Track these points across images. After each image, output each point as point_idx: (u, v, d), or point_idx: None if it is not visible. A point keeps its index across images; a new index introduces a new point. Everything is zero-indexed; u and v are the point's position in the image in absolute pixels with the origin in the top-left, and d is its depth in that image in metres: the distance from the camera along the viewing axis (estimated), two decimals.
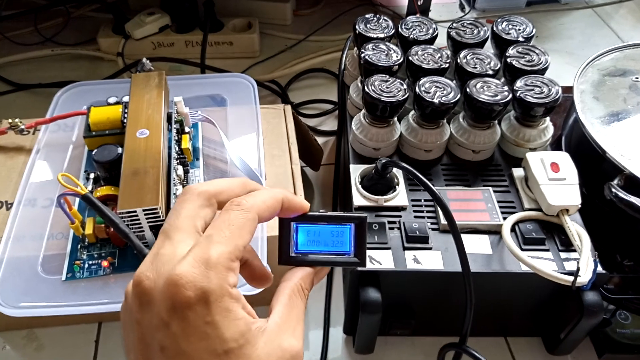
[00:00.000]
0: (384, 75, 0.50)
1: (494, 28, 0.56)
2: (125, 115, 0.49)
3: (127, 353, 0.25)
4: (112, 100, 0.52)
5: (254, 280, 0.30)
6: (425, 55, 0.52)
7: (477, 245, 0.45)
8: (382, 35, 0.55)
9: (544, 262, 0.43)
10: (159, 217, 0.40)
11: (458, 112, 0.53)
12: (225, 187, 0.27)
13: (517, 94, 0.49)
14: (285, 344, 0.25)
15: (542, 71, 0.51)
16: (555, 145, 0.58)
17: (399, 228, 0.46)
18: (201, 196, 0.27)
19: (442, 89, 0.48)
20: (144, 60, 0.57)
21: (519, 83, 0.50)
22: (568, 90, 0.54)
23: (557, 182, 0.46)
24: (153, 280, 0.24)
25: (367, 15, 0.58)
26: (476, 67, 0.52)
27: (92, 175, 0.48)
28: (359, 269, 0.43)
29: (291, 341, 0.26)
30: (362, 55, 0.52)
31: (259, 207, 0.27)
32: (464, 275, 0.41)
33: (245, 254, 0.30)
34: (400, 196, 0.48)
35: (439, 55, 0.52)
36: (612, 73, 0.57)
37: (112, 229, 0.41)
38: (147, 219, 0.40)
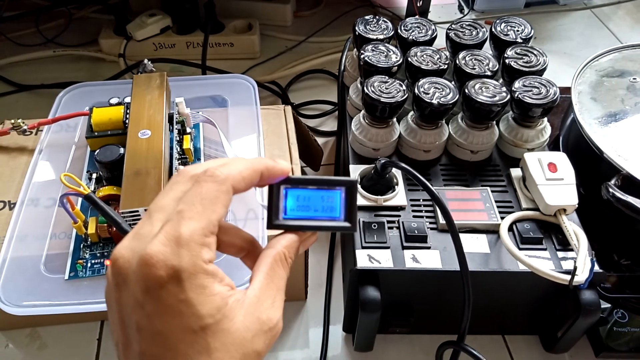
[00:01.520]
0: (384, 76, 0.50)
1: (493, 29, 0.57)
2: (127, 116, 0.49)
3: (112, 333, 0.25)
4: (114, 101, 0.52)
5: None
6: (424, 56, 0.53)
7: (475, 245, 0.45)
8: (381, 37, 0.56)
9: (542, 261, 0.44)
10: None
11: (457, 112, 0.53)
12: (235, 173, 0.26)
13: (515, 95, 0.49)
14: (264, 316, 0.25)
15: (540, 72, 0.52)
16: (553, 145, 0.59)
17: (398, 227, 0.46)
18: (193, 179, 0.26)
19: (441, 89, 0.49)
20: (146, 61, 0.58)
21: (517, 84, 0.50)
22: (566, 91, 0.54)
23: (554, 182, 0.46)
24: (127, 259, 0.23)
25: (366, 17, 0.58)
26: (475, 68, 0.52)
27: (94, 176, 0.49)
28: (358, 267, 0.43)
29: (269, 313, 0.25)
30: (362, 56, 0.52)
31: (234, 177, 0.26)
32: (462, 274, 0.42)
33: (244, 243, 0.29)
34: (399, 196, 0.48)
35: (437, 56, 0.53)
36: (610, 74, 0.57)
37: (114, 229, 0.42)
38: None
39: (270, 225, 0.29)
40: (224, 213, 0.25)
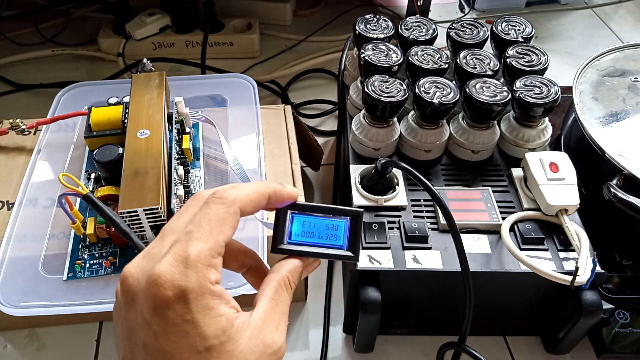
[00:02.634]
0: (384, 76, 0.50)
1: (494, 28, 0.56)
2: (126, 116, 0.49)
3: (118, 349, 0.26)
4: (112, 100, 0.52)
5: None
6: (425, 55, 0.53)
7: (476, 245, 0.45)
8: (381, 36, 0.56)
9: (543, 262, 0.44)
10: (160, 217, 0.41)
11: (457, 112, 0.53)
12: (243, 195, 0.26)
13: (517, 95, 0.49)
14: (268, 340, 0.25)
15: (542, 71, 0.52)
16: (554, 145, 0.58)
17: (399, 228, 0.46)
18: (204, 202, 0.26)
19: (442, 89, 0.49)
20: (145, 60, 0.57)
21: (518, 83, 0.50)
22: (567, 90, 0.54)
23: (556, 182, 0.46)
24: (137, 278, 0.24)
25: (367, 16, 0.58)
26: (475, 68, 0.52)
27: (93, 175, 0.49)
28: (359, 268, 0.43)
29: (274, 336, 0.25)
30: (362, 55, 0.52)
31: (241, 200, 0.26)
32: (463, 274, 0.41)
33: (247, 259, 0.30)
34: (399, 196, 0.48)
35: (438, 55, 0.53)
36: (611, 73, 0.57)
37: (113, 229, 0.41)
38: (148, 218, 0.41)
39: (275, 249, 0.29)
40: (231, 234, 0.26)
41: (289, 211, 0.29)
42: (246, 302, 0.28)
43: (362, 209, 0.30)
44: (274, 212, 0.30)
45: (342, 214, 0.29)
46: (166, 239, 0.25)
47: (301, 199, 0.49)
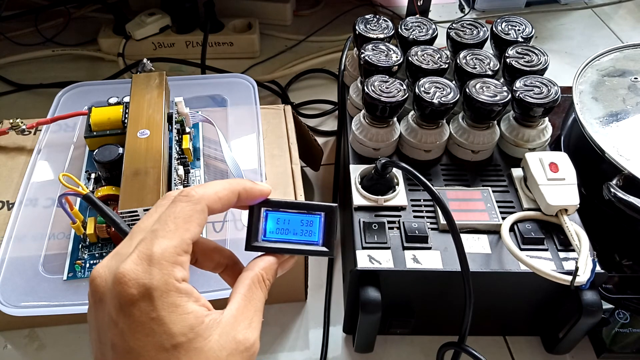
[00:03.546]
0: (384, 76, 0.50)
1: (494, 28, 0.56)
2: (126, 116, 0.49)
3: (92, 350, 0.26)
4: (112, 100, 0.52)
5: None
6: (425, 55, 0.53)
7: (476, 245, 0.45)
8: (381, 36, 0.56)
9: (543, 262, 0.44)
10: None
11: (457, 112, 0.53)
12: (211, 193, 0.26)
13: (517, 95, 0.49)
14: (240, 336, 0.25)
15: (542, 71, 0.52)
16: (554, 145, 0.58)
17: (399, 228, 0.46)
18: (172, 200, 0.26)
19: (442, 89, 0.49)
20: (145, 60, 0.57)
21: (518, 83, 0.50)
22: (567, 90, 0.54)
23: (556, 182, 0.46)
24: (104, 278, 0.24)
25: (367, 16, 0.58)
26: (475, 68, 0.52)
27: (93, 175, 0.49)
28: (359, 268, 0.43)
29: (246, 333, 0.25)
30: (362, 55, 0.52)
31: (209, 197, 0.26)
32: (463, 274, 0.41)
33: (223, 259, 0.30)
34: (399, 196, 0.48)
35: (438, 55, 0.53)
36: (611, 73, 0.57)
37: (113, 229, 0.41)
38: None
39: (249, 246, 0.29)
40: (198, 232, 0.26)
41: (262, 208, 0.29)
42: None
43: (336, 204, 0.30)
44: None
45: (316, 210, 0.29)
46: (134, 238, 0.25)
47: (301, 199, 0.49)
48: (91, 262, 0.43)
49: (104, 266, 0.25)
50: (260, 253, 0.29)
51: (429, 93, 0.48)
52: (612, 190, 0.45)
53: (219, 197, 0.27)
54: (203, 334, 0.24)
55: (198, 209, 0.26)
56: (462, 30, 0.57)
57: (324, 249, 0.29)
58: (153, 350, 0.23)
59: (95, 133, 0.50)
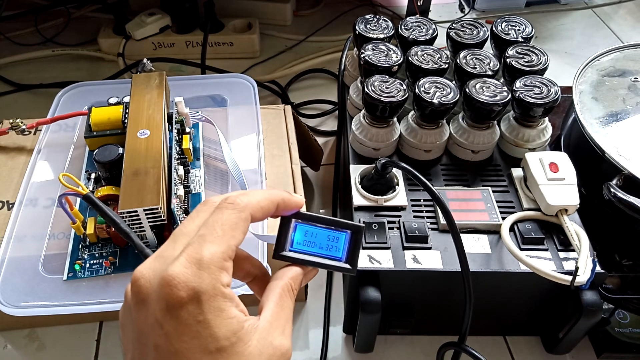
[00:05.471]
0: (384, 76, 0.50)
1: (494, 28, 0.56)
2: (126, 116, 0.49)
3: (125, 352, 0.26)
4: (112, 100, 0.52)
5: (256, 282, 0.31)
6: (425, 55, 0.53)
7: (476, 245, 0.45)
8: (381, 36, 0.56)
9: (543, 262, 0.44)
10: (160, 217, 0.41)
11: (457, 112, 0.53)
12: (254, 202, 0.27)
13: (517, 95, 0.49)
14: (277, 342, 0.26)
15: (542, 71, 0.52)
16: (554, 145, 0.58)
17: (399, 228, 0.46)
18: (216, 207, 0.27)
19: (442, 89, 0.49)
20: (145, 60, 0.57)
21: (518, 83, 0.50)
22: (567, 90, 0.54)
23: (556, 182, 0.46)
24: (149, 279, 0.24)
25: (366, 16, 0.58)
26: (475, 68, 0.52)
27: (93, 175, 0.49)
28: (359, 268, 0.43)
29: (281, 339, 0.26)
30: (362, 55, 0.52)
31: (252, 206, 0.27)
32: (463, 274, 0.41)
33: (253, 269, 0.30)
34: (399, 196, 0.48)
35: (438, 55, 0.53)
36: (611, 73, 0.57)
37: (113, 229, 0.41)
38: (148, 218, 0.41)
39: (277, 255, 0.30)
40: (242, 239, 0.26)
41: (293, 219, 0.30)
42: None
43: (364, 224, 0.30)
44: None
45: (343, 227, 0.30)
46: (178, 242, 0.26)
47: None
48: (91, 262, 0.43)
49: (148, 268, 0.25)
50: (286, 263, 0.30)
51: (429, 93, 0.48)
52: (612, 190, 0.45)
53: (261, 206, 0.27)
54: (244, 339, 0.24)
55: (243, 217, 0.26)
56: (462, 30, 0.57)
57: (347, 265, 0.30)
58: (198, 352, 0.23)
59: (95, 133, 0.50)
